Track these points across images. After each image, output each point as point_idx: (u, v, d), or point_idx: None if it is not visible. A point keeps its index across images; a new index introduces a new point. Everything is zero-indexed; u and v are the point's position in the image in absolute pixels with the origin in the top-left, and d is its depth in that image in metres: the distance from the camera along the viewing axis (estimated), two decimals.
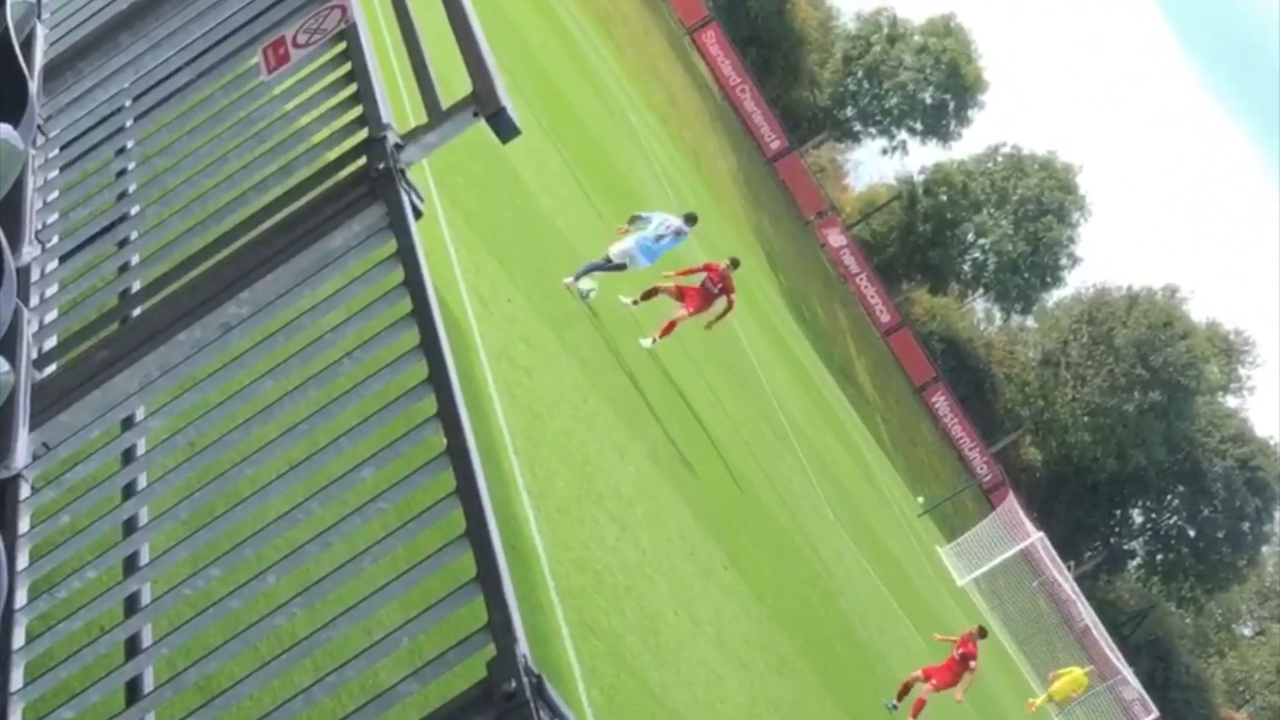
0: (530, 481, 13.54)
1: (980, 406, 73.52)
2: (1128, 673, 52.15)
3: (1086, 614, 54.55)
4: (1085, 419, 74.47)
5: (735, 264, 23.55)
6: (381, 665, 3.17)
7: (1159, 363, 72.65)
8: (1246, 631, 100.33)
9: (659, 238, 21.53)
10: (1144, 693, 52.82)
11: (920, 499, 54.13)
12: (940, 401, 68.84)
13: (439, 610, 3.09)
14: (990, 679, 42.01)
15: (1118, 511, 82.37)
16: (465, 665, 3.01)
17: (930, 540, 51.60)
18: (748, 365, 34.97)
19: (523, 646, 2.87)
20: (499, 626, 2.92)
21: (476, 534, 3.11)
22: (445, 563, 3.15)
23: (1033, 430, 77.39)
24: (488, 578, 3.02)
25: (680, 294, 22.45)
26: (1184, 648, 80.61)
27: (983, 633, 27.73)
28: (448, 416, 3.38)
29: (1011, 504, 52.98)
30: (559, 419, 16.13)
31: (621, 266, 21.31)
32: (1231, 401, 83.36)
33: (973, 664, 26.73)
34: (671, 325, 22.50)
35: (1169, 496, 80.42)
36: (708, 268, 22.92)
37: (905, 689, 24.95)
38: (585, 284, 20.70)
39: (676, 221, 22.10)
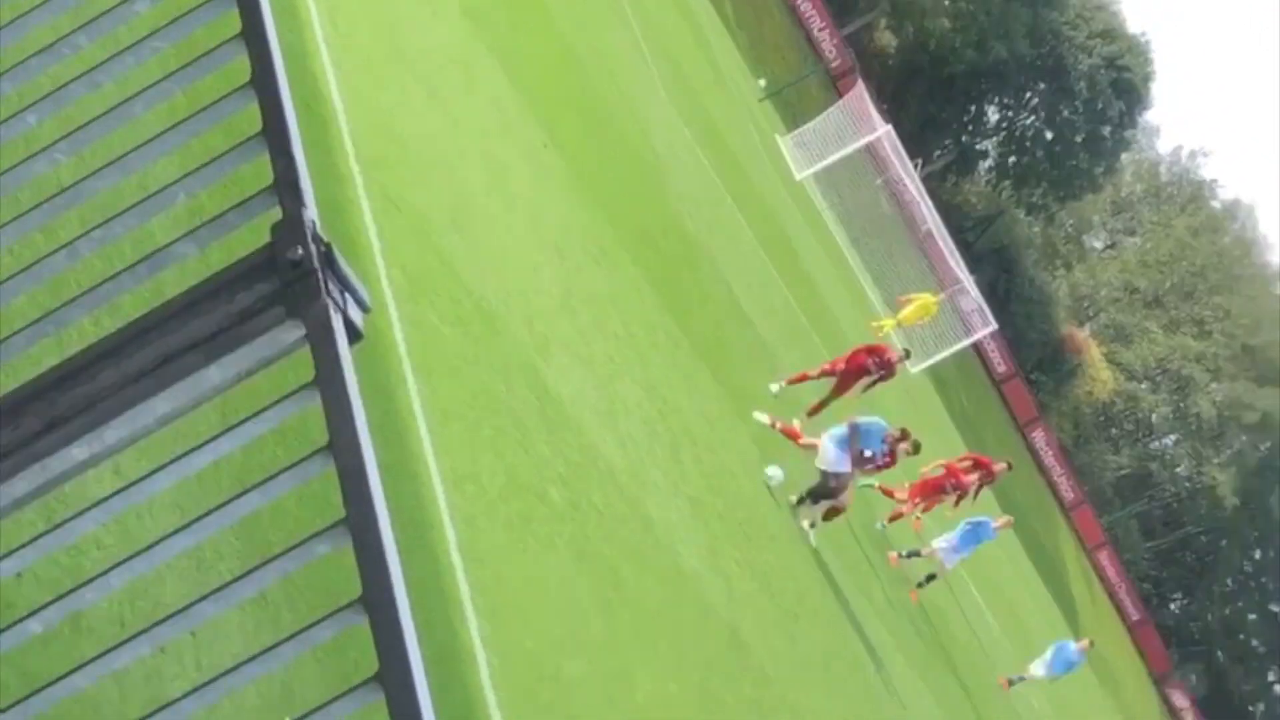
0: (331, 34, 13.31)
1: None
2: (968, 281, 53.29)
3: (930, 216, 55.34)
4: (946, 3, 74.57)
5: (908, 354, 27.81)
6: (156, 223, 3.15)
7: None
8: (1097, 244, 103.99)
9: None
10: (983, 303, 54.17)
11: (762, 81, 53.98)
12: None
13: (220, 165, 3.05)
14: (829, 295, 43.19)
15: (972, 108, 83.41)
16: (249, 229, 3.00)
17: (769, 129, 51.86)
18: None
19: (311, 212, 2.84)
20: (285, 187, 2.89)
21: (263, 82, 3.05)
22: (229, 114, 3.10)
23: (889, 13, 77.09)
24: (274, 132, 2.97)
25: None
26: (1030, 258, 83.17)
27: None
28: None
29: (860, 93, 53.01)
30: None
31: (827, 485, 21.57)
32: None
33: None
34: None
35: (1028, 94, 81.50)
36: (875, 349, 25.24)
37: None
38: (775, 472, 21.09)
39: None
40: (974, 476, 28.50)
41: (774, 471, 20.48)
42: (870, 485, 26.58)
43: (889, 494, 27.30)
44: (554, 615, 10.97)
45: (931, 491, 27.14)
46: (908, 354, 29.04)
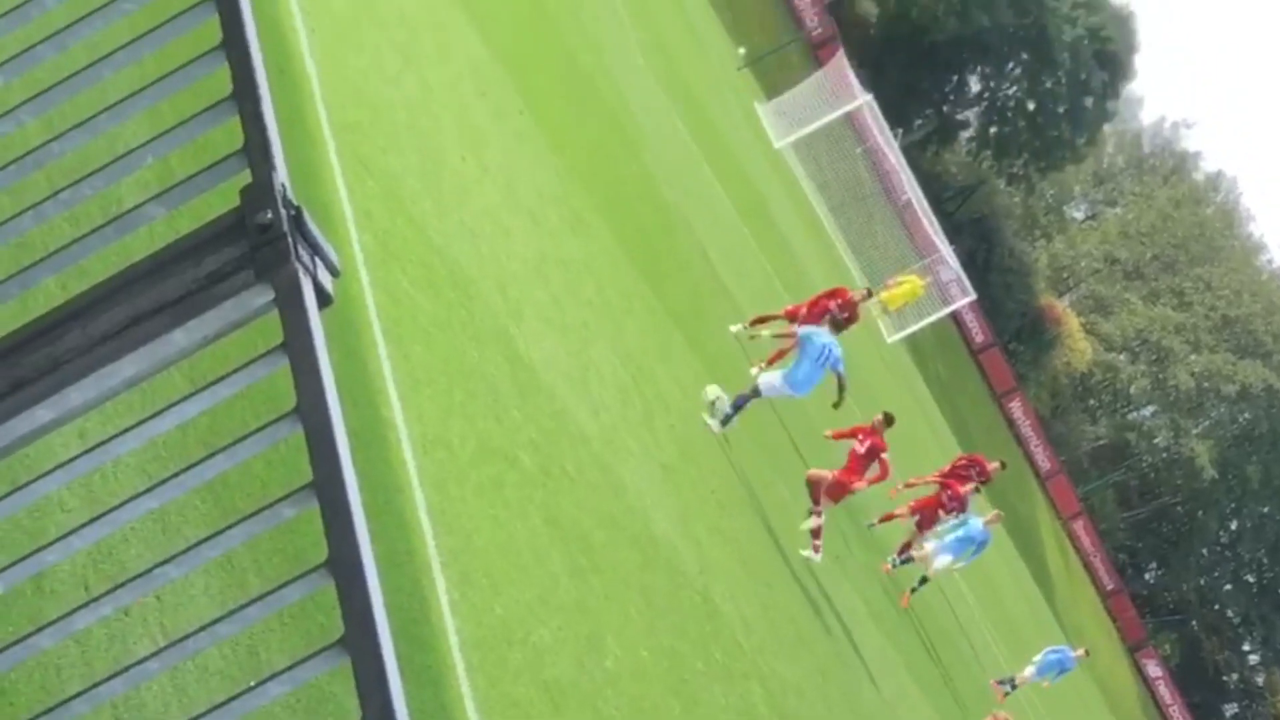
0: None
1: None
2: (947, 251, 53.26)
3: (910, 186, 55.35)
4: None
5: (870, 293, 27.74)
6: (124, 185, 3.16)
7: None
8: (1078, 215, 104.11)
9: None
10: (962, 273, 54.20)
11: (742, 50, 53.86)
12: None
13: (190, 129, 3.05)
14: (807, 264, 43.17)
15: (954, 77, 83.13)
16: (218, 193, 3.02)
17: (749, 97, 51.78)
18: None
19: (281, 175, 2.85)
20: (255, 150, 2.90)
21: (234, 45, 3.06)
22: (199, 76, 3.11)
23: None
24: (245, 95, 2.98)
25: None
26: (1009, 228, 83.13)
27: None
28: None
29: (841, 62, 52.85)
30: None
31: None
32: None
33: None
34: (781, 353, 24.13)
35: (1010, 65, 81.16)
36: (836, 293, 25.40)
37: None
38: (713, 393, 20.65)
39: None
40: (969, 487, 28.36)
41: (713, 391, 20.49)
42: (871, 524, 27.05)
43: (888, 518, 27.35)
44: (525, 581, 11.01)
45: (928, 509, 26.94)
46: (869, 293, 29.17)
